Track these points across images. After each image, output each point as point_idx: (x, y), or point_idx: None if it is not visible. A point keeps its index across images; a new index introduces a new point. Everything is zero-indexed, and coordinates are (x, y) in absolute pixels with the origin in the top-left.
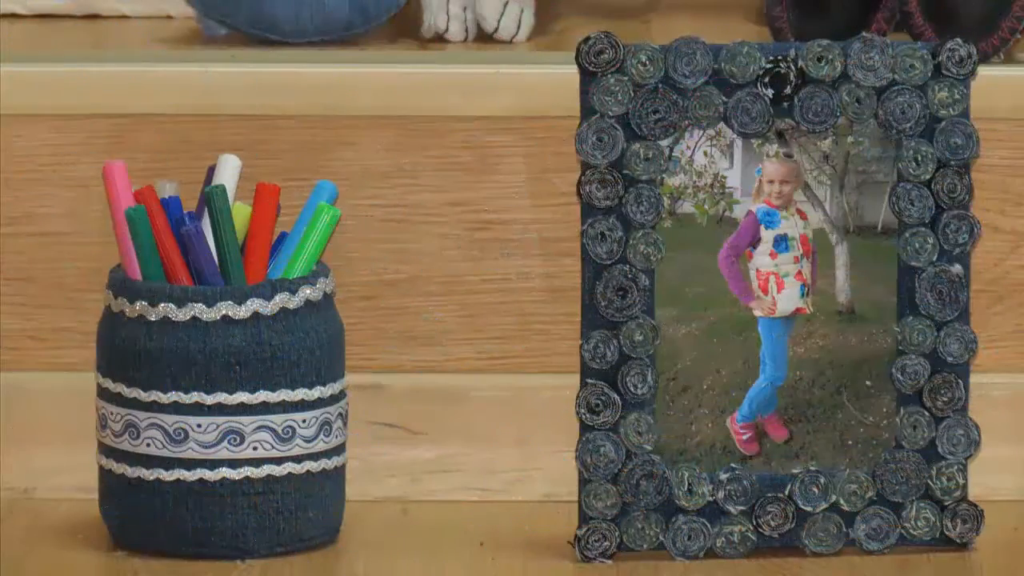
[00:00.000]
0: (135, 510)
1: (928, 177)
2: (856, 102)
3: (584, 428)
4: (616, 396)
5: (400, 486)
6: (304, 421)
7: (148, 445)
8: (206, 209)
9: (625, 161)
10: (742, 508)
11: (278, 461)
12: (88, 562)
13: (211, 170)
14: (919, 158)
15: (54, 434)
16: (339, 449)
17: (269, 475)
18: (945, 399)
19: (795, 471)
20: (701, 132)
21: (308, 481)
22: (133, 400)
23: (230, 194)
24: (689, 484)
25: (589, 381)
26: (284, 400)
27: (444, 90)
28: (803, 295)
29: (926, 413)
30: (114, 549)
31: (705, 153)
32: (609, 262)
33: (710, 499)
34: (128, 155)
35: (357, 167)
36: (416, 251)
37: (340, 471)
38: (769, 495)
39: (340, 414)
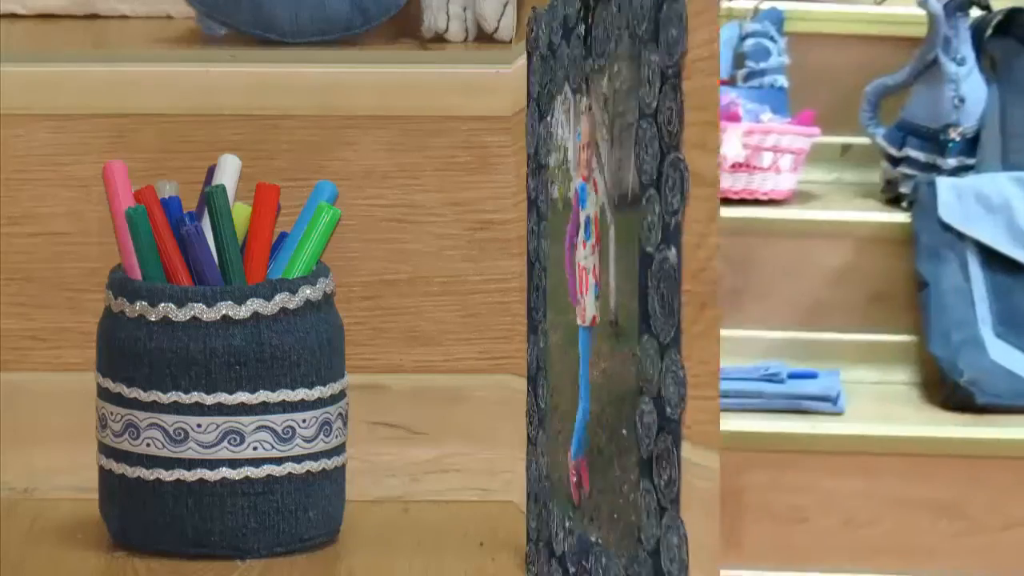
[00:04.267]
0: (135, 510)
1: (655, 104)
2: (617, 10)
3: None
4: None
5: (400, 486)
6: (304, 421)
7: (148, 445)
8: (206, 209)
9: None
10: None
11: (278, 461)
12: (88, 562)
13: (211, 170)
14: (650, 76)
15: (54, 434)
16: (339, 449)
17: (269, 475)
18: (665, 478)
19: (592, 538)
20: (560, 97)
21: (308, 481)
22: (133, 400)
23: (230, 194)
24: None
25: None
26: (284, 400)
27: (444, 90)
28: (596, 297)
29: (654, 495)
30: (114, 549)
31: (561, 124)
32: None
33: None
34: (128, 155)
35: (357, 167)
36: (416, 251)
37: (340, 471)
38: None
39: (340, 414)
